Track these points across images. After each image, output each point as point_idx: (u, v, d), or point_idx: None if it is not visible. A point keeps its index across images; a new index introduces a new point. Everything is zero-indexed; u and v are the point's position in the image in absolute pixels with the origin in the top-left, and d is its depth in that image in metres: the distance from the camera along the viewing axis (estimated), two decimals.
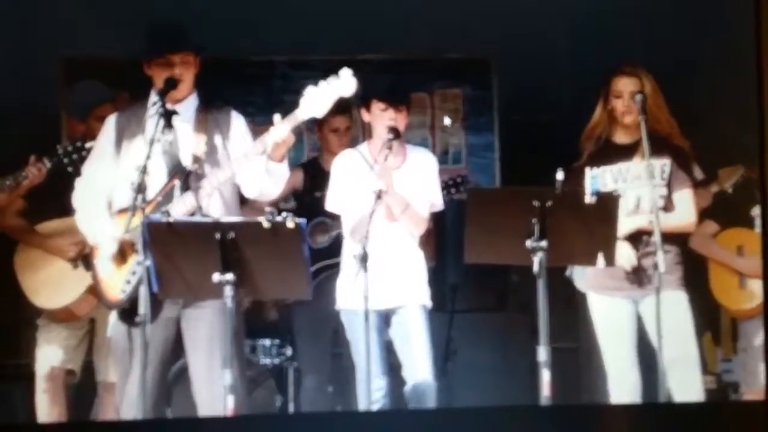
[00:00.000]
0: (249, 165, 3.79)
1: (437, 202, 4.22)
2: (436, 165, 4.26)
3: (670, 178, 4.19)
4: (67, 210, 4.11)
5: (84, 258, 4.40)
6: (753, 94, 4.25)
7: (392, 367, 4.15)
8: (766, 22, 4.24)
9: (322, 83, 3.78)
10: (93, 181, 3.95)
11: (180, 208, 3.76)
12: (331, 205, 4.21)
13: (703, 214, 4.60)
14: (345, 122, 4.96)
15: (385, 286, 4.01)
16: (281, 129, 3.74)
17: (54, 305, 4.48)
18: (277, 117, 3.77)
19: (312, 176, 4.92)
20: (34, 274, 4.49)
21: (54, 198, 4.32)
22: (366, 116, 4.17)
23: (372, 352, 3.89)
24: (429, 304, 4.17)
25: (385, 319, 4.12)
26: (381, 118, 4.09)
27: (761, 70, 4.24)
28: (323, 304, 4.56)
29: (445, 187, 4.66)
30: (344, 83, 3.77)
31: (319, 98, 3.76)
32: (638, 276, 4.15)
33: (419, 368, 4.03)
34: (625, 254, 4.08)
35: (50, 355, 4.52)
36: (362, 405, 3.98)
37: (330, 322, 4.70)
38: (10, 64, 5.48)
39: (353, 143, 4.77)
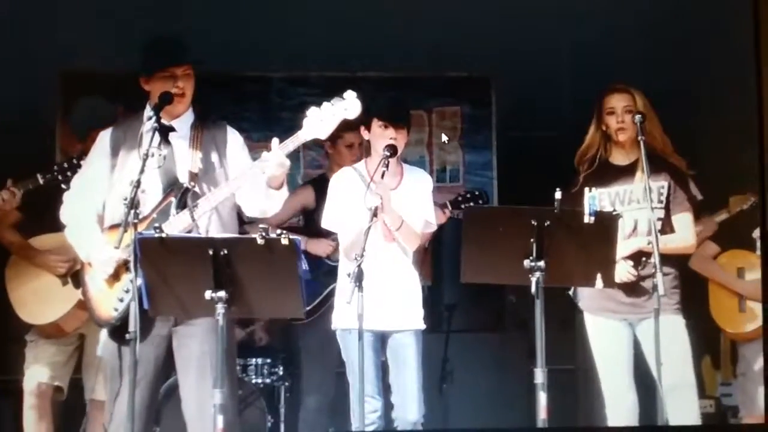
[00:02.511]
0: (248, 185, 3.74)
1: (431, 221, 4.19)
2: (431, 184, 4.25)
3: (668, 199, 4.16)
4: (62, 225, 4.07)
5: (73, 275, 4.35)
6: (753, 114, 4.23)
7: (388, 387, 4.10)
8: (766, 42, 4.23)
9: (326, 104, 3.73)
10: (84, 195, 3.91)
11: (176, 227, 3.71)
12: (327, 222, 4.18)
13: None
14: (359, 138, 4.95)
15: (381, 306, 3.98)
16: (279, 154, 3.68)
17: (40, 321, 4.44)
18: (275, 142, 3.72)
19: (322, 193, 4.89)
20: (23, 287, 4.45)
21: (50, 212, 4.27)
22: (365, 134, 4.16)
23: (367, 373, 3.85)
24: (423, 326, 4.14)
25: (381, 339, 4.08)
26: (381, 136, 4.08)
27: (761, 89, 4.22)
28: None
29: (463, 200, 4.65)
30: (349, 105, 3.74)
31: (322, 119, 3.72)
32: (636, 298, 4.11)
33: (408, 407, 4.03)
34: (624, 269, 4.04)
35: (38, 371, 4.47)
36: (356, 426, 3.92)
37: (338, 344, 4.65)
38: (8, 78, 5.46)
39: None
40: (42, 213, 4.38)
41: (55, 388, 4.50)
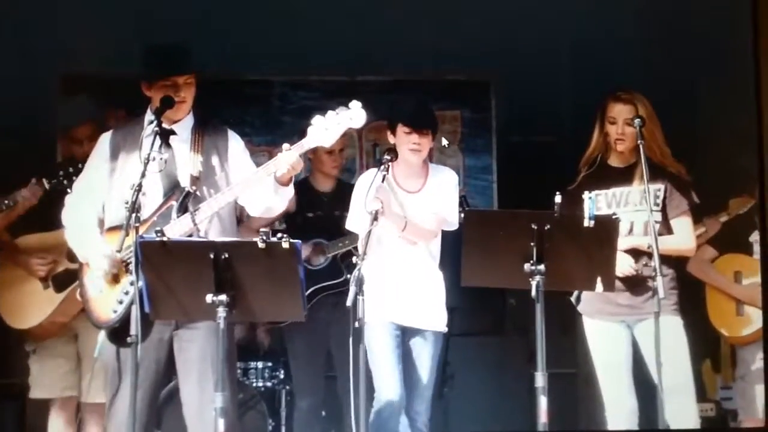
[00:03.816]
0: (256, 186, 3.75)
1: (450, 220, 4.18)
2: (455, 181, 4.25)
3: (664, 203, 4.17)
4: (49, 225, 4.06)
5: (54, 278, 4.34)
6: (752, 117, 4.24)
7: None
8: (764, 45, 4.24)
9: (330, 113, 3.74)
10: (84, 198, 3.91)
11: (177, 230, 3.71)
12: (350, 224, 4.20)
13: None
14: (340, 144, 4.96)
15: (405, 304, 4.05)
16: (291, 155, 3.70)
17: (23, 325, 4.39)
18: (285, 146, 3.74)
19: (303, 197, 4.89)
20: (10, 291, 4.41)
21: (38, 212, 4.27)
22: (391, 138, 4.19)
23: (389, 364, 3.95)
24: (444, 329, 4.18)
25: (405, 333, 4.11)
26: (405, 141, 4.12)
27: (759, 93, 4.23)
28: (319, 326, 4.53)
29: None
30: (354, 114, 3.75)
31: (327, 128, 3.73)
32: (634, 300, 4.12)
33: (414, 401, 4.08)
34: (625, 262, 4.04)
35: (53, 385, 4.44)
36: (361, 427, 3.90)
37: (325, 344, 4.67)
38: (8, 81, 5.47)
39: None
40: (30, 213, 4.35)
41: (74, 397, 4.47)
